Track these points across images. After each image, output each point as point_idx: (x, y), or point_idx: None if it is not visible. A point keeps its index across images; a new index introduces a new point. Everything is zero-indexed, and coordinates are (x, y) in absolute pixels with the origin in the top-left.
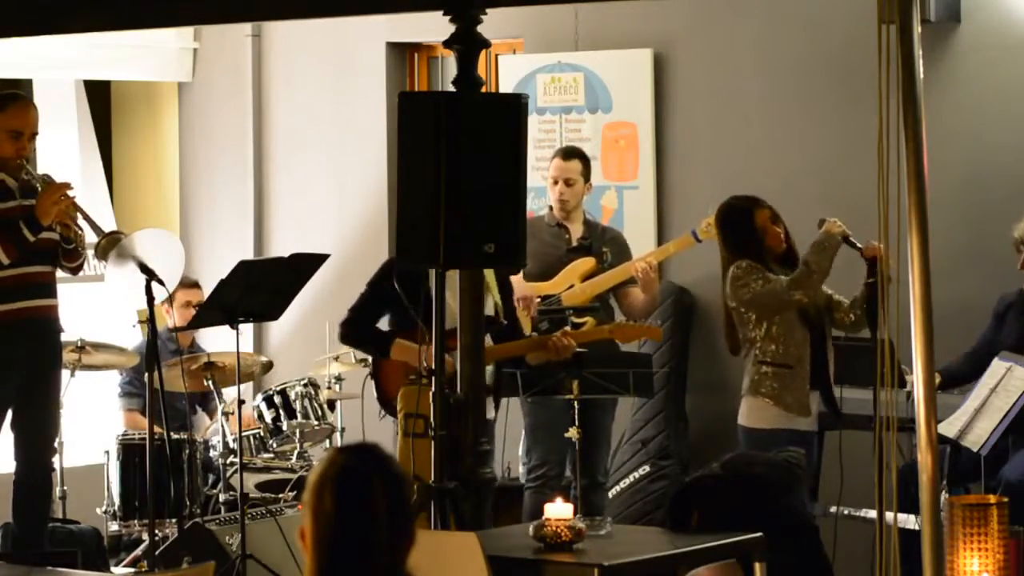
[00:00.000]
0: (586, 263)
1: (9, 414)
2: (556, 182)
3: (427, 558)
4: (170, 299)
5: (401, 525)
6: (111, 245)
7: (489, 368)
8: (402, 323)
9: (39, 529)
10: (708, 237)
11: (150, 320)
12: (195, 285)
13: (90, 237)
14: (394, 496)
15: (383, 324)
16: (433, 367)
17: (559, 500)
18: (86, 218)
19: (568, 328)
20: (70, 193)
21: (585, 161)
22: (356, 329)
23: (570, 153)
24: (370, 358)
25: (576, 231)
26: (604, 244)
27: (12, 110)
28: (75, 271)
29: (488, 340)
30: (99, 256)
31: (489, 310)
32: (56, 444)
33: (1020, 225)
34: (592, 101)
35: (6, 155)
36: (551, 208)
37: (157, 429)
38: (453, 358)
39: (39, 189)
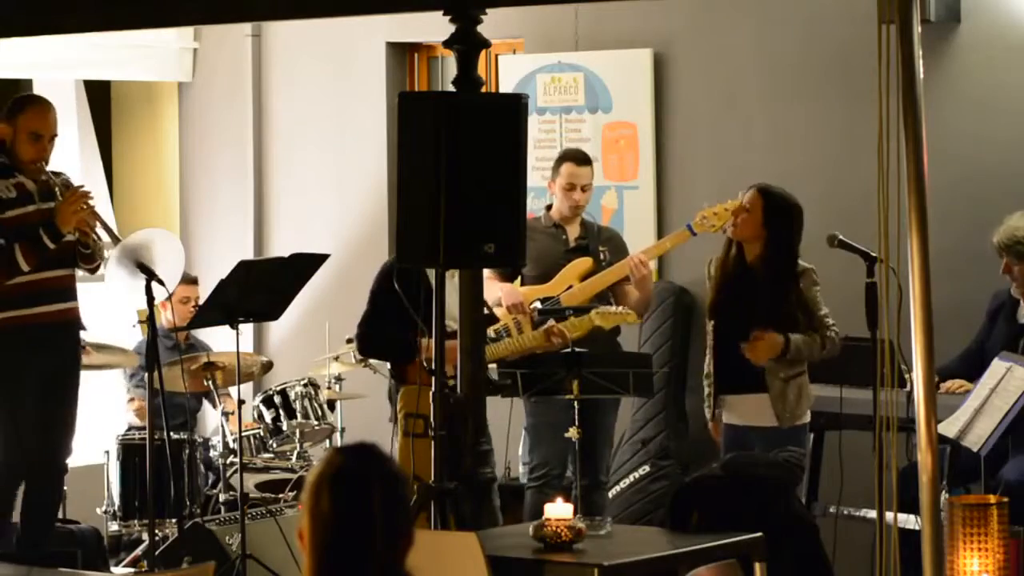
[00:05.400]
0: (583, 263)
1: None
2: (572, 188)
3: (427, 558)
4: (169, 297)
5: (399, 525)
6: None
7: None
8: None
9: (46, 531)
10: (703, 230)
11: (150, 320)
12: (193, 281)
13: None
14: (392, 496)
15: None
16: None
17: (559, 500)
18: (104, 226)
19: (553, 322)
20: (91, 202)
21: (592, 166)
22: (373, 342)
23: (583, 159)
24: (387, 364)
25: (573, 232)
26: (601, 244)
27: (32, 112)
28: (93, 271)
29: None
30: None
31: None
32: (71, 448)
33: (1000, 230)
34: (592, 101)
35: (27, 157)
36: (547, 209)
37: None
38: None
39: (58, 192)
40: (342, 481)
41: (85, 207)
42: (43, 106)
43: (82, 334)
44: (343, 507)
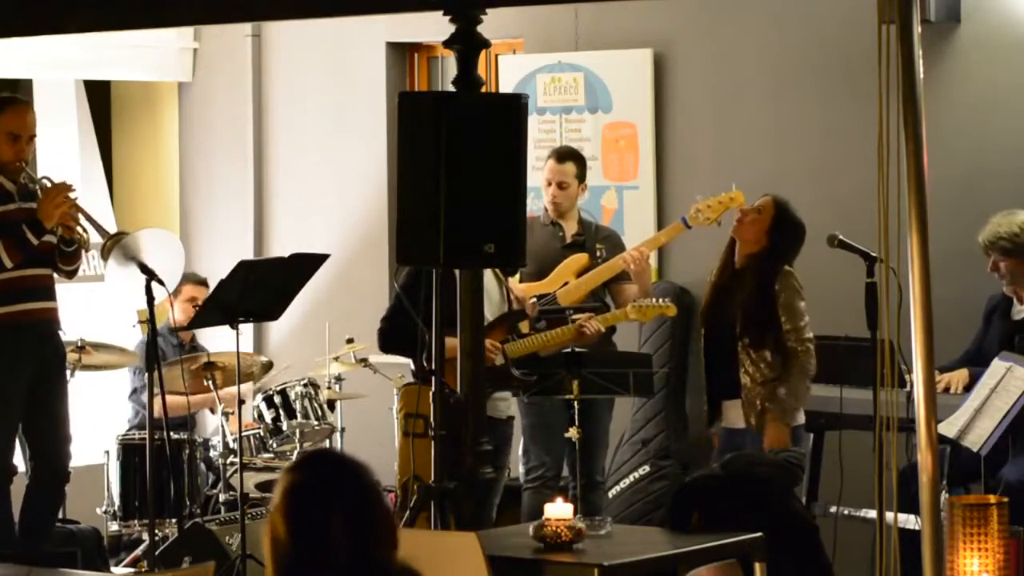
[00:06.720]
0: (579, 259)
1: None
2: (549, 184)
3: (427, 558)
4: (174, 293)
5: (367, 528)
6: (115, 245)
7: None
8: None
9: (47, 533)
10: (698, 223)
11: (150, 320)
12: (202, 282)
13: (94, 238)
14: (354, 502)
15: None
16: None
17: (559, 500)
18: (89, 219)
19: (592, 315)
20: (71, 195)
21: (580, 163)
22: (394, 337)
23: (564, 155)
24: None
25: (570, 228)
26: (598, 242)
27: (9, 113)
28: (71, 275)
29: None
30: (105, 257)
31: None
32: (70, 452)
33: (985, 230)
34: (592, 101)
35: (5, 158)
36: (546, 208)
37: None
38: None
39: (38, 192)
40: (295, 499)
41: (66, 200)
42: (21, 107)
43: (61, 336)
44: (299, 526)
